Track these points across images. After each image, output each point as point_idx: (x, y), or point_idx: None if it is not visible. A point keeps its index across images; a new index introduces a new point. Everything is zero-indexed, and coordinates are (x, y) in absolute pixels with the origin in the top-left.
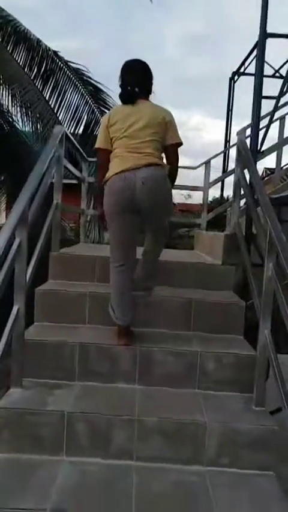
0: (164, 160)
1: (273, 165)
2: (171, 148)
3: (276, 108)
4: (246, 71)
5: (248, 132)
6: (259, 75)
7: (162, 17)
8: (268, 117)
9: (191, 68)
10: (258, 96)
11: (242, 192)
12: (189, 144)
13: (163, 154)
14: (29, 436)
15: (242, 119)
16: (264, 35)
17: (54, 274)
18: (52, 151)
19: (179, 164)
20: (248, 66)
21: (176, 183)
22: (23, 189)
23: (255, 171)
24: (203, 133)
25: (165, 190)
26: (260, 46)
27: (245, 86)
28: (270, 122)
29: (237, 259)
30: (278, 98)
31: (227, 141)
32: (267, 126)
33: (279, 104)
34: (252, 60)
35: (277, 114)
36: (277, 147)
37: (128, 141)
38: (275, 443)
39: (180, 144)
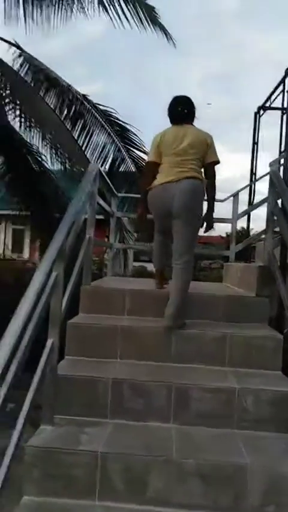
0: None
1: None
2: (209, 165)
3: None
4: (272, 105)
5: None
6: None
7: (182, 60)
8: None
9: (211, 106)
10: None
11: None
12: None
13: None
14: (60, 477)
15: (261, 152)
16: None
17: (85, 307)
18: (87, 188)
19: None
20: (274, 100)
21: None
22: (61, 224)
23: None
24: (220, 168)
25: (199, 197)
26: None
27: (268, 121)
28: None
29: (271, 291)
30: None
31: (252, 173)
32: None
33: None
34: (278, 94)
35: None
36: None
37: (174, 158)
38: None
39: (218, 162)
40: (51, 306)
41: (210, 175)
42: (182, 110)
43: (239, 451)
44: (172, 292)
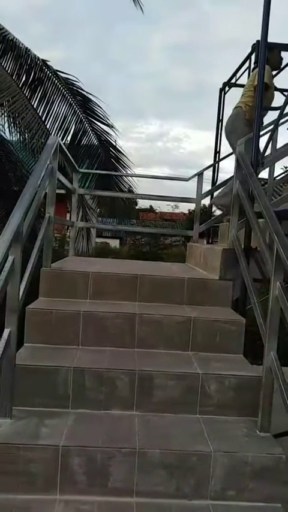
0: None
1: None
2: None
3: (280, 117)
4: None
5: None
6: (260, 88)
7: (146, 28)
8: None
9: (173, 78)
10: (259, 108)
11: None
12: (169, 154)
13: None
14: (19, 473)
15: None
16: (265, 46)
17: (45, 291)
18: (46, 163)
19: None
20: (240, 77)
21: (167, 195)
22: (17, 204)
23: (257, 184)
24: (184, 143)
25: (235, 121)
26: (261, 58)
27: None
28: (273, 132)
29: (235, 274)
30: (282, 109)
31: (216, 152)
32: (269, 138)
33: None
34: (244, 71)
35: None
36: (278, 158)
37: None
38: (283, 473)
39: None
40: (8, 292)
41: None
42: None
43: (202, 438)
44: None
